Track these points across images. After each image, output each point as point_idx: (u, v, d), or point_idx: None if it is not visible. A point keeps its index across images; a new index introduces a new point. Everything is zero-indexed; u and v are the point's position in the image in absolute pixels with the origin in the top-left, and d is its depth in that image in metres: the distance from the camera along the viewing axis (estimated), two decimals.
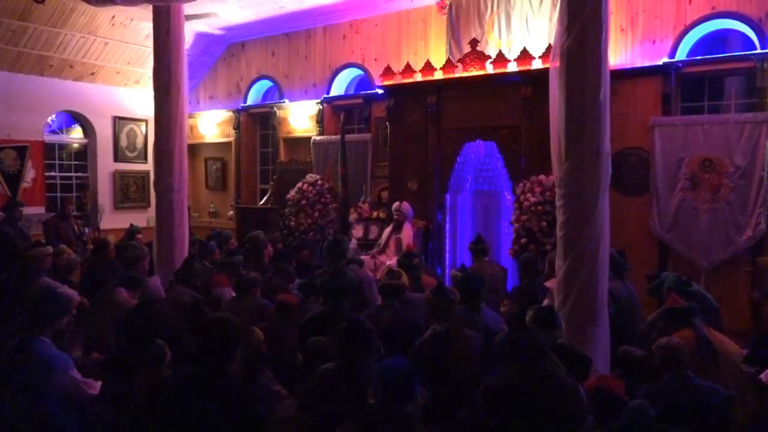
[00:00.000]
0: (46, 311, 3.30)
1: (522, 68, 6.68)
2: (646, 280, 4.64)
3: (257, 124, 10.61)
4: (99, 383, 3.33)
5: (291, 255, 6.23)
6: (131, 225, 7.52)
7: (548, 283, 4.53)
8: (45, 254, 5.33)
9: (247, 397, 2.78)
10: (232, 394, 2.75)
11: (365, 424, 2.37)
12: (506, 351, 2.77)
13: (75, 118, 10.05)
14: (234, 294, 4.94)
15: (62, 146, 10.13)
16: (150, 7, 6.35)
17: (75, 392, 3.20)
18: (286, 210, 8.44)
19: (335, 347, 3.05)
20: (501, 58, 6.86)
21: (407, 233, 6.94)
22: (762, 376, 3.36)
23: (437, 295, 3.62)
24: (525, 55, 6.67)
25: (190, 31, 9.22)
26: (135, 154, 10.57)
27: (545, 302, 4.12)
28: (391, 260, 6.42)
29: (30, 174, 9.10)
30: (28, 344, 3.17)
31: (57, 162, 9.94)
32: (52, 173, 9.78)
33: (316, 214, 8.25)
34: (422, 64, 7.45)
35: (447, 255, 7.63)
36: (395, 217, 7.12)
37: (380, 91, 8.08)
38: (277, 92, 10.09)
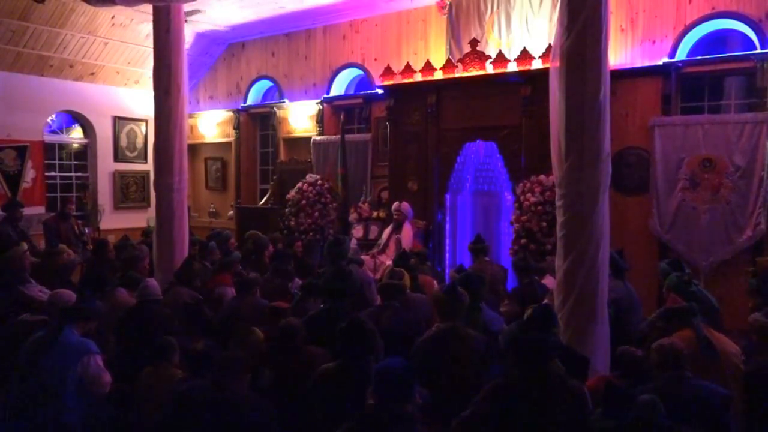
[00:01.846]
0: (86, 311, 3.57)
1: (522, 68, 6.68)
2: (668, 261, 4.60)
3: (257, 124, 10.61)
4: (109, 380, 3.41)
5: (289, 253, 6.23)
6: (148, 226, 7.56)
7: (548, 283, 4.53)
8: (20, 253, 5.14)
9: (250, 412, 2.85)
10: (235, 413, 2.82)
11: (364, 424, 2.37)
12: (513, 351, 2.76)
13: (75, 118, 10.04)
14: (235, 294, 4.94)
15: (62, 146, 10.13)
16: (150, 7, 6.35)
17: (95, 378, 3.35)
18: (286, 210, 8.44)
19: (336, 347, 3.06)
20: (501, 58, 6.87)
21: (407, 233, 6.94)
22: None
23: (449, 294, 3.60)
24: (525, 55, 6.67)
25: (190, 31, 9.22)
26: (135, 154, 10.57)
27: (545, 302, 4.11)
28: (391, 260, 6.42)
29: (30, 174, 9.09)
30: (59, 332, 3.37)
31: (57, 162, 9.94)
32: (52, 173, 9.77)
33: (316, 214, 8.25)
34: (422, 64, 7.45)
35: (447, 255, 7.63)
36: (395, 217, 7.12)
37: (380, 91, 8.09)
38: (277, 92, 10.09)
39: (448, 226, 7.64)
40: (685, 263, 6.14)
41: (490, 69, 6.94)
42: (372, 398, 2.41)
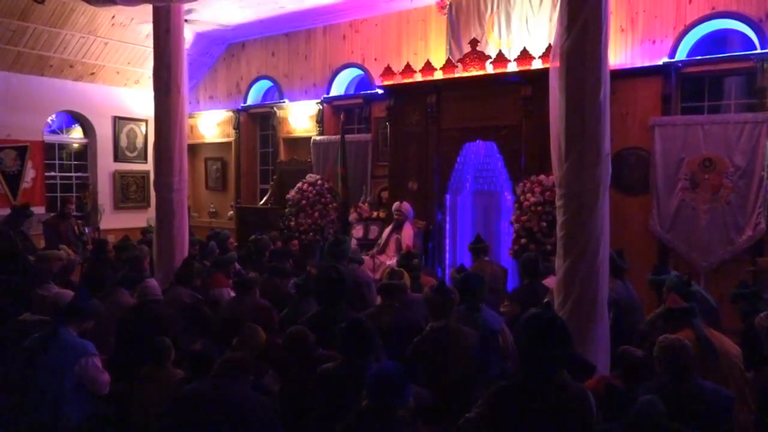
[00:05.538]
0: (80, 310, 3.59)
1: (522, 68, 6.67)
2: (652, 270, 4.62)
3: (257, 124, 10.61)
4: (108, 380, 3.41)
5: (287, 252, 6.23)
6: (148, 225, 7.61)
7: (548, 283, 4.53)
8: (56, 257, 5.38)
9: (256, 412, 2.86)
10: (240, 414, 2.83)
11: (356, 425, 2.39)
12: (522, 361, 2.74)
13: (75, 118, 10.05)
14: (233, 294, 4.94)
15: (62, 146, 10.14)
16: (150, 7, 6.35)
17: (93, 379, 3.37)
18: (286, 210, 8.44)
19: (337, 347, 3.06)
20: (501, 58, 6.86)
21: (407, 233, 6.94)
22: None
23: (438, 293, 3.61)
24: (525, 55, 6.67)
25: (190, 31, 9.22)
26: (135, 154, 10.58)
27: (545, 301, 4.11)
28: (391, 260, 6.42)
29: (30, 174, 9.10)
30: (57, 332, 3.39)
31: (57, 162, 9.94)
32: (52, 173, 9.77)
33: (316, 214, 8.25)
34: (422, 64, 7.45)
35: (447, 255, 7.62)
36: (395, 217, 7.11)
37: (380, 91, 8.08)
38: (277, 92, 10.09)
39: (448, 226, 7.63)
40: (684, 263, 6.20)
41: (490, 69, 6.94)
42: (366, 400, 2.43)
